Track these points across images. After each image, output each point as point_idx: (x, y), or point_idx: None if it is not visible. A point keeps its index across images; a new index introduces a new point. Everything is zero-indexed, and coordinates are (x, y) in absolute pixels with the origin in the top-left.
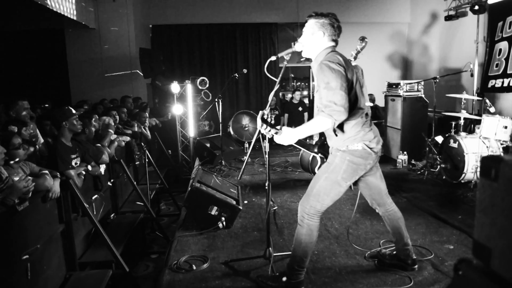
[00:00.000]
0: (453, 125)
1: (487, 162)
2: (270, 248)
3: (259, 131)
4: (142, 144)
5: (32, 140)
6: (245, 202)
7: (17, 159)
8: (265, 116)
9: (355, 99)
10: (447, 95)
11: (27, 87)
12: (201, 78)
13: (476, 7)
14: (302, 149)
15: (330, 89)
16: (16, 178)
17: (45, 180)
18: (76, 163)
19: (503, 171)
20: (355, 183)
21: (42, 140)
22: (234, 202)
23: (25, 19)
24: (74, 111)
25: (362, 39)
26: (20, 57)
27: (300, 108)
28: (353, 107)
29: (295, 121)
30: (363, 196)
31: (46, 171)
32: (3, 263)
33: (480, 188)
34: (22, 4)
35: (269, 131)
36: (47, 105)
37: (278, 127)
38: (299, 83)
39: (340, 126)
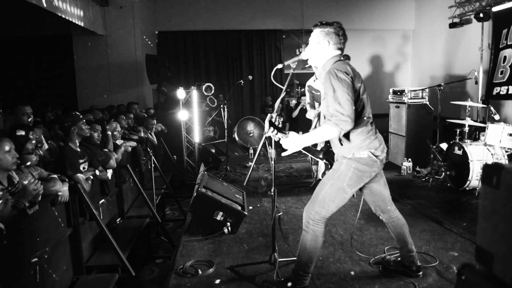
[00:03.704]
0: (458, 132)
1: (489, 170)
2: (275, 254)
3: (265, 137)
4: (148, 149)
5: (38, 145)
6: (250, 207)
7: (28, 163)
8: (273, 120)
9: (362, 108)
10: (451, 102)
11: (35, 93)
12: (207, 84)
13: (481, 15)
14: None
15: (337, 98)
16: (26, 182)
17: (54, 184)
18: (84, 168)
19: (504, 178)
20: (359, 190)
21: (46, 146)
22: (240, 208)
23: (33, 25)
24: (81, 116)
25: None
26: (28, 63)
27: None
28: (360, 116)
29: (302, 125)
30: (367, 203)
31: (55, 176)
32: (13, 266)
33: (482, 194)
34: (31, 10)
35: (276, 134)
36: (60, 111)
37: (286, 131)
38: (303, 89)
39: (346, 135)
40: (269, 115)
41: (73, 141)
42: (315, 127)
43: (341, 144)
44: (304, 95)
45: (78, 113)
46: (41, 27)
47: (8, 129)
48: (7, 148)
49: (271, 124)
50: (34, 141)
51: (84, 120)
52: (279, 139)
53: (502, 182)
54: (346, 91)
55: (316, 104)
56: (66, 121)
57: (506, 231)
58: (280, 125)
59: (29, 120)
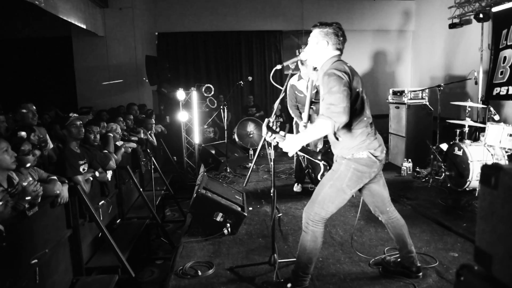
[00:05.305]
0: (458, 132)
1: (487, 170)
2: (275, 255)
3: (265, 138)
4: (148, 150)
5: (41, 144)
6: (250, 208)
7: (27, 165)
8: (271, 124)
9: (362, 108)
10: (451, 102)
11: (35, 94)
12: (206, 85)
13: (480, 15)
14: (306, 156)
15: (332, 93)
16: (25, 184)
17: (54, 186)
18: (84, 169)
19: (502, 179)
20: (358, 191)
21: (51, 145)
22: (239, 209)
23: (34, 27)
24: (72, 119)
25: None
26: (29, 64)
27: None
28: (360, 117)
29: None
30: (366, 204)
31: (55, 177)
32: (13, 267)
33: (481, 195)
34: (32, 12)
35: (274, 138)
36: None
37: (282, 133)
38: None
39: (346, 136)
40: (266, 119)
41: (72, 143)
42: None
43: (338, 140)
44: None
45: (73, 115)
46: (41, 29)
47: (10, 130)
48: (4, 147)
49: (269, 128)
50: (32, 142)
51: (77, 123)
52: (278, 142)
53: (500, 183)
54: (342, 87)
55: (300, 106)
56: (61, 124)
57: (505, 232)
58: (277, 129)
59: (31, 116)
